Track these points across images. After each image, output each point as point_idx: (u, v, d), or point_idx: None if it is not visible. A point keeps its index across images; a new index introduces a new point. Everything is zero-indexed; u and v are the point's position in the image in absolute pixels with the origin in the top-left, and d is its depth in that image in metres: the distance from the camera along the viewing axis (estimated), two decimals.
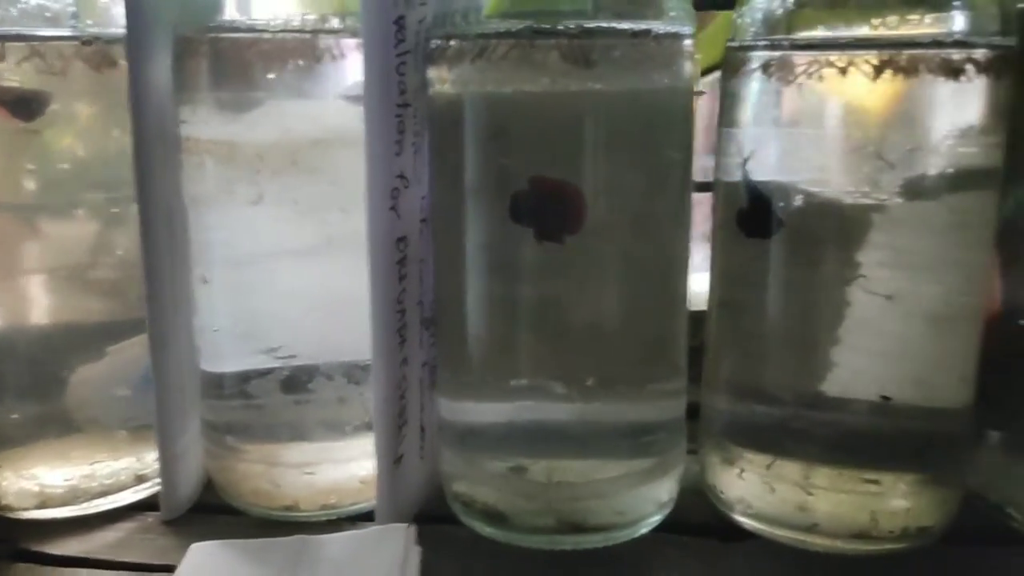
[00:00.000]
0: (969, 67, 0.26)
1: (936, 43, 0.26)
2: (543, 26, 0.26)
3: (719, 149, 0.31)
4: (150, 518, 0.34)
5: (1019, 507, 0.31)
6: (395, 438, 0.31)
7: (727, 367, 0.32)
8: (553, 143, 0.28)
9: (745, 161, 0.29)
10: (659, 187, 0.29)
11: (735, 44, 0.30)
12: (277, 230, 0.31)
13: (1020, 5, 0.29)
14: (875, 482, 0.29)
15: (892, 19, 0.27)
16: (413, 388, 0.32)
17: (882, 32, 0.27)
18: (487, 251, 0.29)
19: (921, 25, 0.27)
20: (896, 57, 0.26)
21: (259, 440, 0.33)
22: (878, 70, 0.26)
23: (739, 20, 0.30)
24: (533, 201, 0.28)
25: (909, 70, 0.26)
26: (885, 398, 0.28)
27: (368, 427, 0.32)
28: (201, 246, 0.32)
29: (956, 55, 0.26)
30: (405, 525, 0.30)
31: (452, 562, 0.30)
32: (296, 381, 0.32)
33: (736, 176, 0.30)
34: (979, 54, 0.26)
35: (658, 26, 0.27)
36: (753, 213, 0.29)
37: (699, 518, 0.33)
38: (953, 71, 0.26)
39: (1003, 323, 0.31)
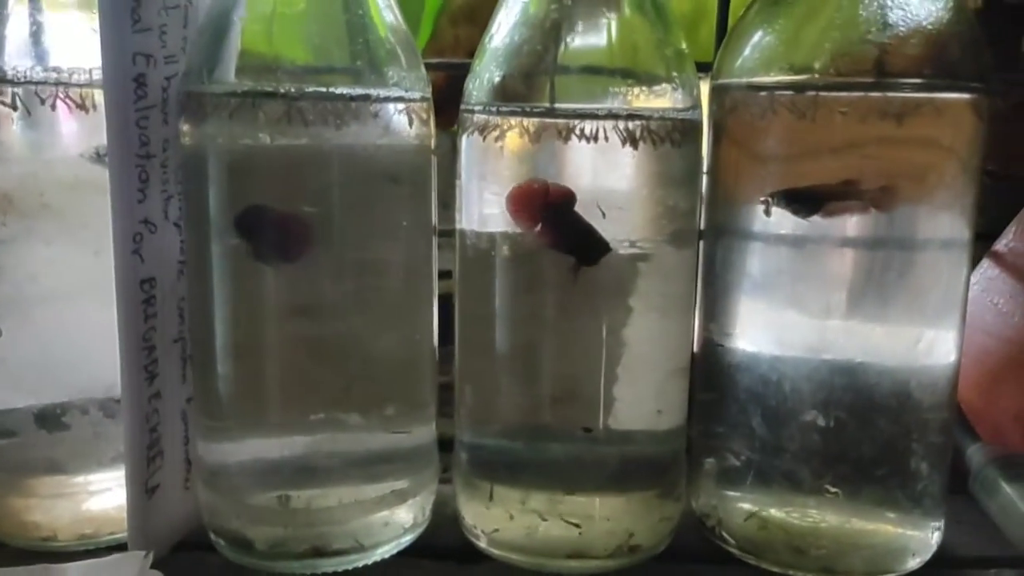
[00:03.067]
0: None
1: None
2: (266, 88, 0.29)
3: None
4: None
5: (731, 530, 0.34)
6: (145, 469, 0.33)
7: (473, 402, 0.35)
8: (283, 191, 0.30)
9: None
10: (387, 232, 0.32)
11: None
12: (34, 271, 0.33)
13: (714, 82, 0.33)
14: (588, 505, 0.32)
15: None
16: (170, 422, 0.34)
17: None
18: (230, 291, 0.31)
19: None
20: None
21: (16, 473, 0.34)
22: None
23: None
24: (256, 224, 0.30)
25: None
26: (587, 429, 0.32)
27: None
28: None
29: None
30: (143, 553, 0.31)
31: None
32: (49, 415, 0.33)
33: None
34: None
35: (379, 92, 0.30)
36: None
37: (450, 543, 0.35)
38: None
39: (704, 357, 0.34)
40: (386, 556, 0.34)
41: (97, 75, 0.31)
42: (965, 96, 0.30)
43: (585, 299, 0.31)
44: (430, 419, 0.35)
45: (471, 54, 0.33)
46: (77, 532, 0.34)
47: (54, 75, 0.32)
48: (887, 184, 0.30)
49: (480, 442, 0.34)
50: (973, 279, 0.44)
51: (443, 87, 0.41)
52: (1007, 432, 0.38)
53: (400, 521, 0.34)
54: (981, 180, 0.31)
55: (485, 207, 0.32)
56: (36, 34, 0.32)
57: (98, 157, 0.32)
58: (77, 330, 0.33)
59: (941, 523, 0.33)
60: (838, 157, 0.30)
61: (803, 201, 0.30)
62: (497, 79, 0.31)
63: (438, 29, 0.54)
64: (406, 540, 0.35)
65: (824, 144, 0.30)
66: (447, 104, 0.35)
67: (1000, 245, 0.43)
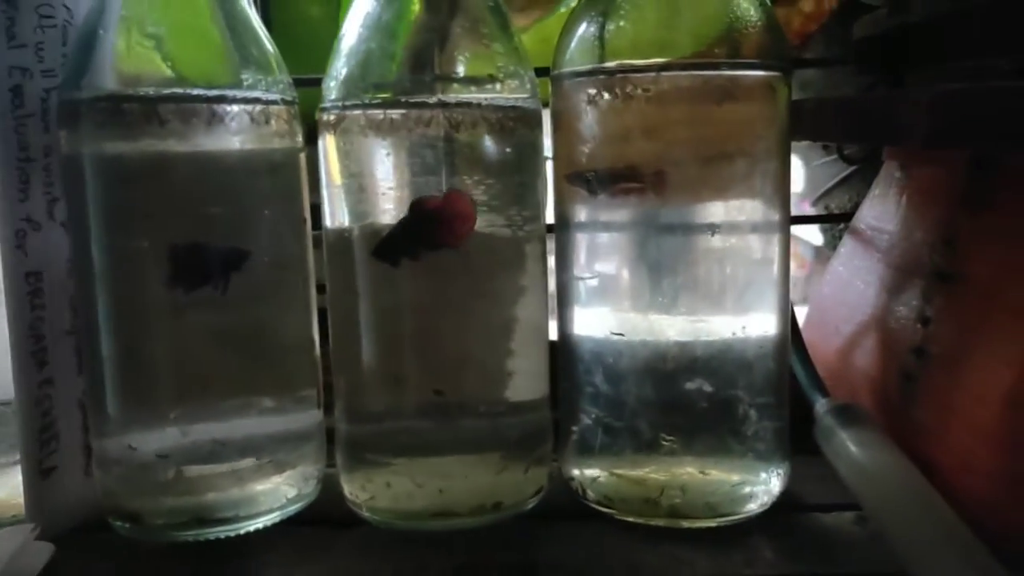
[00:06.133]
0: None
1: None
2: (126, 92, 0.32)
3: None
4: None
5: (590, 488, 0.37)
6: (37, 450, 0.35)
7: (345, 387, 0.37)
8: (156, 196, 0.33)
9: None
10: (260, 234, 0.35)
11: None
12: None
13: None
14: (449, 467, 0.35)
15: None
16: (66, 409, 0.36)
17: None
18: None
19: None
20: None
21: None
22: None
23: None
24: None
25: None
26: (439, 392, 0.34)
27: None
28: None
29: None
30: (31, 525, 0.34)
31: (89, 562, 0.35)
32: None
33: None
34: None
35: (234, 92, 0.34)
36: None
37: (333, 513, 0.38)
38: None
39: (561, 338, 0.37)
40: (268, 524, 0.36)
41: None
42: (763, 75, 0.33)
43: (429, 283, 0.34)
44: (310, 399, 0.38)
45: None
46: None
47: None
48: (661, 169, 0.33)
49: (355, 423, 0.37)
50: (836, 256, 0.47)
51: None
52: (860, 390, 0.40)
53: (281, 491, 0.37)
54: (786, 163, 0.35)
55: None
56: None
57: None
58: None
59: (780, 471, 0.36)
60: (632, 140, 0.33)
61: (591, 182, 0.34)
62: (348, 75, 0.34)
63: None
64: (291, 510, 0.37)
65: (623, 128, 0.33)
66: None
67: (856, 222, 0.46)
